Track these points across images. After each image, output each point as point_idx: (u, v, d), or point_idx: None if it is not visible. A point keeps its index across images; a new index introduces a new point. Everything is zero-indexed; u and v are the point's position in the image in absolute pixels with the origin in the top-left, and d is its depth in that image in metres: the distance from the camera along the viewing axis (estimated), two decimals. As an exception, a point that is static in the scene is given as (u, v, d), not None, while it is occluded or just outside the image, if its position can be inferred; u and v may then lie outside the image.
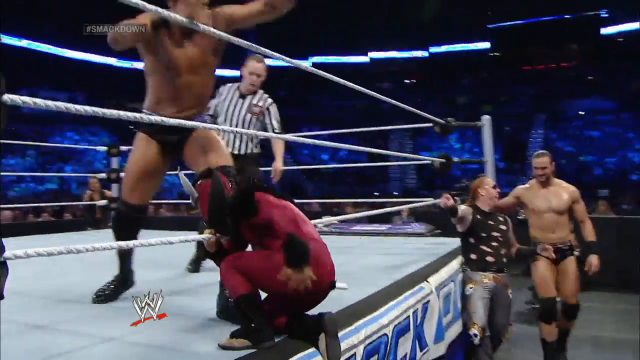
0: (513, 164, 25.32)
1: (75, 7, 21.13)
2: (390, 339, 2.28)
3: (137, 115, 1.77)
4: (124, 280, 2.51)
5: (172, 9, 2.15)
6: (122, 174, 1.95)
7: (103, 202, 6.16)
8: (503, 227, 3.82)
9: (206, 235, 1.88)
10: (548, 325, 3.88)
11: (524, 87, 31.30)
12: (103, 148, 6.29)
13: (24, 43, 27.93)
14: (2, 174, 9.92)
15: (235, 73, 3.60)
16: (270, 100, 3.59)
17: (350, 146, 3.58)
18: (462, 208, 3.76)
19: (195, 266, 3.32)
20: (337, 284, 1.84)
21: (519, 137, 27.58)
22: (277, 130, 3.48)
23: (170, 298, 1.96)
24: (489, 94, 31.87)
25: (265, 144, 3.95)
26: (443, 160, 4.97)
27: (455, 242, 4.53)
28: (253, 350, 1.67)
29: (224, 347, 1.70)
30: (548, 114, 28.30)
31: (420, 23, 34.82)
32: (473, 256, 3.77)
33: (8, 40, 26.29)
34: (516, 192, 4.20)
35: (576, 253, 4.05)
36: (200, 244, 2.39)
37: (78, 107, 1.57)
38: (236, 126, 3.48)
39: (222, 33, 2.06)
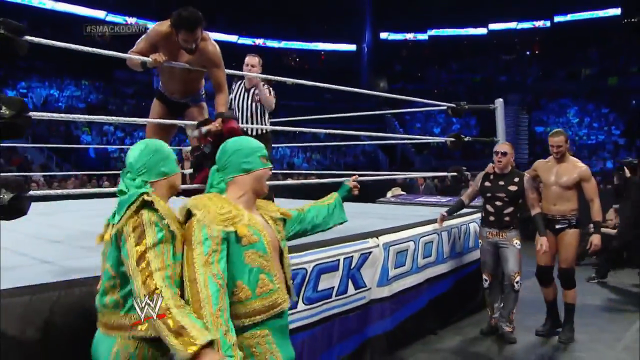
0: (636, 140, 23.69)
1: None
2: (309, 272, 3.20)
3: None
4: None
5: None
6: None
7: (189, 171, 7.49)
8: (513, 187, 4.28)
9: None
10: (545, 288, 4.52)
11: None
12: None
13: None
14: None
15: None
16: (267, 86, 4.46)
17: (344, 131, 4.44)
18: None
19: None
20: None
21: (646, 112, 25.59)
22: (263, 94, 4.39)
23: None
24: (617, 65, 29.66)
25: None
26: (453, 139, 5.59)
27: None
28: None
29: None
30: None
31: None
32: (482, 214, 4.51)
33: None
34: (535, 165, 4.58)
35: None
36: None
37: (93, 117, 2.70)
38: (245, 114, 4.46)
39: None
